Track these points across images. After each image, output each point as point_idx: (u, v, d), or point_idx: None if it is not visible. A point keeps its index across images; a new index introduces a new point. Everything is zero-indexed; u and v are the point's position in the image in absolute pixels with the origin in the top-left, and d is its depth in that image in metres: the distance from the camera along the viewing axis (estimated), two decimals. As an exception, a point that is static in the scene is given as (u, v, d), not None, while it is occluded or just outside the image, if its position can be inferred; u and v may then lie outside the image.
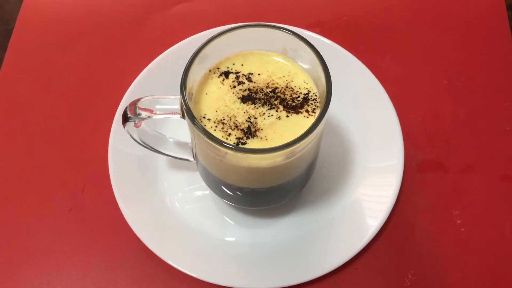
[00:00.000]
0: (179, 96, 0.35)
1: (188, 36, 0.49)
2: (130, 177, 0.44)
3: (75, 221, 0.44)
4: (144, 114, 0.36)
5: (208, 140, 0.31)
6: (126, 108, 0.37)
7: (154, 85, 0.47)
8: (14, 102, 0.50)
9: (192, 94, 0.35)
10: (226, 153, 0.32)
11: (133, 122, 0.37)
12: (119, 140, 0.44)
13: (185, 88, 0.33)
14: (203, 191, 0.45)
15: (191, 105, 0.33)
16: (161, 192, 0.44)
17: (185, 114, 0.34)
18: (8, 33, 0.54)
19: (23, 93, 0.51)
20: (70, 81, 0.51)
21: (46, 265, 0.42)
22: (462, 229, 0.43)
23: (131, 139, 0.40)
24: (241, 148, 0.31)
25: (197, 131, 0.32)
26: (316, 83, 0.35)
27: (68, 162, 0.47)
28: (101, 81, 0.51)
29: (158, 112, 0.36)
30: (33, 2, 0.57)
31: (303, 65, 0.37)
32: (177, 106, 0.35)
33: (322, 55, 0.34)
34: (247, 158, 0.32)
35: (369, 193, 0.43)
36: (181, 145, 0.42)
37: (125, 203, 0.42)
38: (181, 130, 0.42)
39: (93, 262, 0.42)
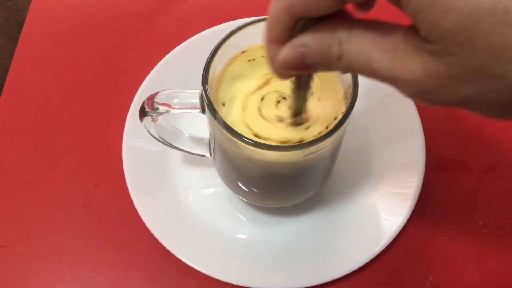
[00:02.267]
0: (198, 90, 0.34)
1: (204, 29, 0.48)
2: (144, 172, 0.43)
3: (88, 217, 0.43)
4: (162, 108, 0.35)
5: (228, 135, 0.30)
6: (143, 102, 0.36)
7: (169, 79, 0.46)
8: (25, 95, 0.50)
9: (211, 87, 0.34)
10: (246, 147, 0.31)
11: (150, 117, 0.36)
12: (133, 135, 0.44)
13: (207, 82, 0.32)
14: (217, 188, 0.44)
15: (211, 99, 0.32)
16: (175, 187, 0.43)
17: (205, 109, 0.33)
18: (20, 24, 0.54)
19: (34, 86, 0.50)
20: (83, 73, 0.51)
21: (58, 262, 0.42)
22: (484, 231, 0.42)
23: (146, 133, 0.39)
24: (261, 144, 0.30)
25: (218, 126, 0.31)
26: (341, 79, 0.35)
27: (81, 156, 0.46)
28: (114, 74, 0.50)
29: (176, 107, 0.35)
30: None
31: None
32: (196, 101, 0.34)
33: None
34: (266, 154, 0.31)
35: (390, 191, 0.42)
36: (197, 140, 0.41)
37: (139, 198, 0.41)
38: (197, 125, 0.42)
39: (106, 258, 0.42)
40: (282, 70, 0.25)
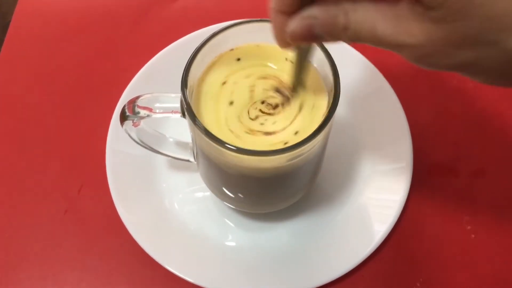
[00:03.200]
0: (179, 94, 0.33)
1: (190, 32, 0.48)
2: (128, 177, 0.42)
3: (71, 223, 0.43)
4: (143, 112, 0.35)
5: (209, 141, 0.30)
6: (124, 106, 0.35)
7: (154, 82, 0.46)
8: (9, 99, 0.49)
9: (193, 91, 0.34)
10: (228, 153, 0.30)
11: (131, 121, 0.36)
12: (117, 140, 0.43)
13: (186, 86, 0.31)
14: (204, 193, 0.43)
15: (191, 103, 0.32)
16: (160, 193, 0.43)
17: (185, 113, 0.33)
18: (5, 28, 0.53)
19: (18, 89, 0.49)
20: (68, 77, 0.50)
21: (40, 269, 0.41)
22: (473, 236, 0.42)
23: (130, 138, 0.38)
24: (244, 150, 0.29)
25: (198, 131, 0.30)
26: (324, 81, 0.34)
27: (64, 161, 0.45)
28: (99, 78, 0.50)
29: (157, 111, 0.34)
30: None
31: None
32: (177, 105, 0.33)
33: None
34: (249, 159, 0.31)
35: (377, 196, 0.42)
36: (181, 145, 0.40)
37: (123, 204, 0.41)
38: (181, 129, 0.41)
39: (90, 265, 0.41)
40: (289, 40, 0.26)
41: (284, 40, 0.27)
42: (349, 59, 0.46)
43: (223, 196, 0.40)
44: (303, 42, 0.28)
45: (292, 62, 0.32)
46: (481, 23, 0.22)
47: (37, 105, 0.48)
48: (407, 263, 0.41)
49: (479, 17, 0.22)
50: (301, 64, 0.32)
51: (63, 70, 0.50)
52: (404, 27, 0.23)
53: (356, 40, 0.25)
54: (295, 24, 0.26)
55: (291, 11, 0.26)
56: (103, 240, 0.42)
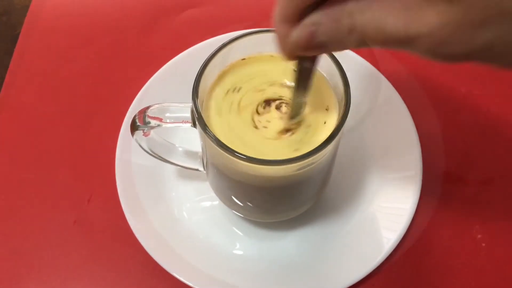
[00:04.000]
0: (189, 104, 0.34)
1: (197, 43, 0.48)
2: (137, 187, 0.42)
3: (80, 233, 0.43)
4: (153, 122, 0.35)
5: (220, 150, 0.30)
6: (135, 116, 0.36)
7: (162, 92, 0.46)
8: (18, 109, 0.49)
9: (203, 101, 0.34)
10: (239, 162, 0.30)
11: (142, 131, 0.36)
12: (127, 149, 0.43)
13: (197, 96, 0.31)
14: (212, 202, 0.43)
15: (202, 113, 0.32)
16: (169, 202, 0.43)
17: (196, 123, 0.33)
18: (15, 39, 0.54)
19: (28, 100, 0.50)
20: (77, 88, 0.50)
21: (49, 278, 0.41)
22: (483, 244, 0.42)
23: (139, 148, 0.38)
24: (254, 159, 0.29)
25: (209, 140, 0.30)
26: (334, 90, 0.34)
27: (73, 171, 0.45)
28: (108, 89, 0.50)
29: (168, 121, 0.35)
30: (40, 7, 0.56)
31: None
32: (187, 114, 0.34)
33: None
34: (260, 168, 0.31)
35: (386, 205, 0.42)
36: (190, 154, 0.40)
37: (132, 214, 0.41)
38: (189, 139, 0.42)
39: (98, 275, 0.41)
40: (293, 50, 0.25)
41: (288, 52, 0.26)
42: (357, 68, 0.46)
43: (232, 205, 0.40)
44: (307, 53, 0.26)
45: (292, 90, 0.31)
46: None
47: (46, 115, 0.49)
48: (417, 272, 0.40)
49: None
50: (302, 86, 0.30)
51: (72, 81, 0.51)
52: (416, 16, 0.21)
53: (363, 43, 0.23)
54: (297, 32, 0.24)
55: (294, 20, 0.24)
56: (112, 250, 0.42)
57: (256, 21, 0.53)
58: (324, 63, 0.32)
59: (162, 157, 0.39)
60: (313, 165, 0.32)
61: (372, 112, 0.46)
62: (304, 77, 0.29)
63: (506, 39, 0.21)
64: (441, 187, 0.44)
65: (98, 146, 0.46)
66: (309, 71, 0.29)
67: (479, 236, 0.42)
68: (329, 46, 0.24)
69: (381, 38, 0.23)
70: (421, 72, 0.50)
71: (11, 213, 0.44)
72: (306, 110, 0.33)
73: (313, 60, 0.28)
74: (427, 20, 0.21)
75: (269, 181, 0.33)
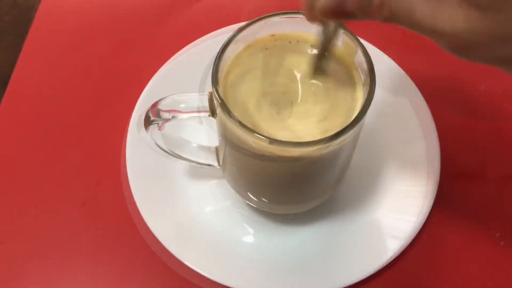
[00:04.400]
0: (205, 93, 0.33)
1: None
2: (147, 172, 0.42)
3: (87, 216, 0.42)
4: (167, 115, 0.34)
5: (245, 134, 0.29)
6: (147, 110, 0.34)
7: (175, 80, 0.45)
8: (30, 91, 0.49)
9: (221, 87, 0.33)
10: (263, 146, 0.29)
11: (156, 125, 0.35)
12: (137, 135, 0.41)
13: (217, 82, 0.30)
14: (223, 195, 0.42)
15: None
16: (179, 191, 0.42)
17: (215, 111, 0.32)
18: (30, 23, 0.53)
19: (39, 83, 0.49)
20: (90, 72, 0.50)
21: (55, 260, 0.40)
22: (502, 243, 0.41)
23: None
24: (283, 141, 0.28)
25: (233, 125, 0.29)
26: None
27: (83, 153, 0.45)
28: (121, 74, 0.50)
29: (183, 111, 0.33)
30: (50, 3, 0.55)
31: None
32: (204, 104, 0.33)
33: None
34: (285, 151, 0.30)
35: (401, 202, 0.41)
36: (204, 149, 0.39)
37: (142, 198, 0.40)
38: (196, 135, 0.41)
39: (103, 259, 0.40)
40: (319, 15, 0.25)
41: (313, 15, 0.25)
42: (376, 62, 0.46)
43: (247, 197, 0.39)
44: (334, 18, 0.26)
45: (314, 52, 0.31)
46: None
47: (58, 100, 0.48)
48: (432, 270, 0.40)
49: None
50: (325, 47, 0.30)
51: (85, 65, 0.51)
52: (445, 13, 0.21)
53: (390, 20, 0.23)
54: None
55: None
56: (118, 234, 0.41)
57: (269, 9, 0.52)
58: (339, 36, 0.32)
59: (176, 153, 0.38)
60: (338, 146, 0.31)
61: (391, 106, 0.45)
62: (327, 40, 0.29)
63: None
64: (459, 183, 0.43)
65: (109, 130, 0.46)
66: (333, 34, 0.29)
67: (497, 234, 0.41)
68: (357, 16, 0.24)
69: (408, 22, 0.23)
70: (441, 68, 0.49)
71: (20, 193, 0.43)
72: (334, 92, 0.32)
73: (338, 23, 0.28)
74: (454, 21, 0.21)
75: (291, 165, 0.32)
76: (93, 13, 0.54)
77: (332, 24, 0.29)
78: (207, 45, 0.48)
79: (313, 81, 0.33)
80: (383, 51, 0.47)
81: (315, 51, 0.31)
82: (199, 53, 0.47)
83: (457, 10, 0.21)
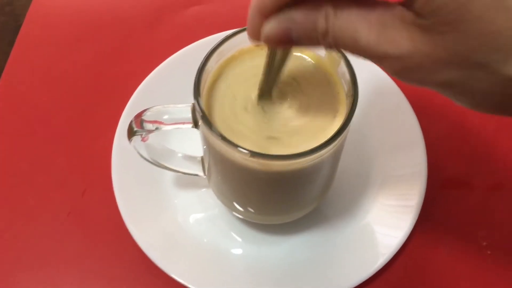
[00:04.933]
0: (189, 104, 0.33)
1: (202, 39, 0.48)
2: (133, 181, 0.42)
3: (73, 225, 0.42)
4: (151, 126, 0.34)
5: (226, 147, 0.29)
6: (131, 121, 0.34)
7: (164, 87, 0.46)
8: (17, 99, 0.49)
9: (203, 98, 0.33)
10: (245, 159, 0.29)
11: (140, 136, 0.34)
12: (124, 143, 0.41)
13: (199, 94, 0.30)
14: (210, 205, 0.42)
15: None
16: (165, 200, 0.42)
17: (198, 123, 0.31)
18: (18, 30, 0.53)
19: (26, 90, 0.49)
20: (77, 80, 0.50)
21: (41, 270, 0.40)
22: (489, 252, 0.40)
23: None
24: (264, 154, 0.28)
25: (214, 138, 0.29)
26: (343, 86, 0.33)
27: (69, 162, 0.45)
28: (108, 82, 0.50)
29: (167, 123, 0.33)
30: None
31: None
32: (187, 115, 0.32)
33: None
34: (267, 164, 0.30)
35: (389, 209, 0.41)
36: (190, 159, 0.39)
37: (127, 208, 0.40)
38: (184, 144, 0.40)
39: (91, 269, 0.40)
40: (264, 41, 0.25)
41: (258, 40, 0.25)
42: (362, 69, 0.45)
43: (233, 207, 0.38)
44: (280, 46, 0.26)
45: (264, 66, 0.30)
46: (474, 40, 0.20)
47: (45, 106, 0.48)
48: (419, 278, 0.39)
49: (473, 33, 0.20)
50: (272, 72, 0.30)
51: (72, 73, 0.50)
52: (388, 36, 0.21)
53: (335, 47, 0.23)
54: (271, 26, 0.24)
55: (270, 14, 0.24)
56: (105, 244, 0.41)
57: None
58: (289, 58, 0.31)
59: (161, 164, 0.38)
60: (320, 158, 0.31)
61: (377, 114, 0.45)
62: (273, 63, 0.29)
63: (464, 84, 0.22)
64: (446, 191, 0.43)
65: (95, 138, 0.46)
66: (280, 58, 0.29)
67: (484, 243, 0.41)
68: (301, 43, 0.24)
69: (353, 48, 0.23)
70: None
71: (5, 202, 0.43)
72: (317, 103, 0.32)
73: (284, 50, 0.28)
74: (398, 43, 0.21)
75: (274, 177, 0.32)
76: (81, 20, 0.54)
77: (279, 51, 0.28)
78: (197, 52, 0.47)
79: (299, 89, 0.33)
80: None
81: (262, 75, 0.31)
82: (188, 60, 0.46)
83: (401, 33, 0.21)
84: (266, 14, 0.24)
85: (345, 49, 0.23)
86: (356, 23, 0.22)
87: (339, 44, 0.23)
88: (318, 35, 0.23)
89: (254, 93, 0.32)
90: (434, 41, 0.21)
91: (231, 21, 0.51)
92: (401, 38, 0.21)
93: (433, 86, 0.23)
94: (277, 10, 0.24)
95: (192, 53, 0.47)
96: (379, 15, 0.22)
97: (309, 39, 0.24)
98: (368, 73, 0.46)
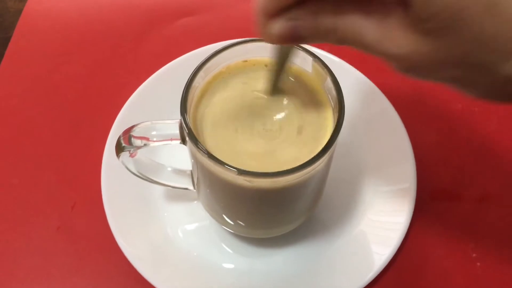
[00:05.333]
0: (177, 120, 0.33)
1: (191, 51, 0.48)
2: (122, 197, 0.41)
3: (62, 241, 0.41)
4: (139, 142, 0.34)
5: (213, 164, 0.29)
6: (119, 137, 0.34)
7: (152, 101, 0.46)
8: (6, 112, 0.49)
9: (191, 114, 0.33)
10: (234, 176, 0.29)
11: (128, 152, 0.34)
12: (113, 158, 0.40)
13: (185, 111, 0.30)
14: (200, 214, 0.41)
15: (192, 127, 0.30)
16: (155, 216, 0.42)
17: (185, 139, 0.31)
18: (6, 42, 0.53)
19: (16, 103, 0.49)
20: (66, 93, 0.50)
21: (30, 285, 0.40)
22: (478, 264, 0.40)
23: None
24: (251, 172, 0.28)
25: (200, 156, 0.29)
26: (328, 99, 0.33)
27: (58, 176, 0.44)
28: (98, 95, 0.49)
29: (155, 139, 0.33)
30: (33, 11, 0.56)
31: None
32: (175, 131, 0.32)
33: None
34: (255, 181, 0.30)
35: (379, 221, 0.41)
36: (179, 173, 0.39)
37: (117, 222, 0.40)
38: (175, 157, 0.40)
39: (80, 284, 0.40)
40: (272, 40, 0.26)
41: (267, 39, 0.26)
42: (350, 80, 0.46)
43: (223, 221, 0.38)
44: (286, 43, 0.27)
45: (270, 67, 0.31)
46: (469, 43, 0.21)
47: (34, 120, 0.48)
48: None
49: (467, 38, 0.21)
50: (281, 65, 0.31)
51: (62, 86, 0.50)
52: (392, 37, 0.23)
53: (343, 44, 0.25)
54: (278, 25, 0.25)
55: (275, 14, 0.25)
56: (95, 258, 0.41)
57: (250, 29, 0.52)
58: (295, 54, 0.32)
59: (150, 178, 0.38)
60: (309, 174, 0.31)
61: (366, 125, 0.45)
62: (282, 59, 0.30)
63: (467, 79, 0.23)
64: (435, 203, 0.43)
65: (85, 152, 0.46)
66: (287, 54, 0.30)
67: (474, 255, 0.41)
68: (308, 40, 0.25)
69: (360, 45, 0.24)
70: (417, 86, 0.49)
71: None
72: (302, 113, 0.33)
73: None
74: (400, 43, 0.23)
75: (262, 193, 0.32)
76: (70, 33, 0.54)
77: (284, 48, 0.30)
78: (186, 65, 0.46)
79: (285, 105, 0.33)
80: (356, 68, 0.47)
81: (271, 69, 0.32)
82: (177, 73, 0.46)
83: (403, 34, 0.22)
84: (272, 15, 0.25)
85: (353, 46, 0.24)
86: (362, 22, 0.23)
87: (346, 41, 0.24)
88: (325, 32, 0.24)
89: (243, 109, 0.33)
90: (432, 43, 0.22)
91: (221, 32, 0.52)
92: (402, 38, 0.22)
93: (439, 81, 0.24)
94: (281, 11, 0.24)
95: (180, 67, 0.47)
96: (384, 15, 0.23)
97: (317, 36, 0.25)
98: (355, 82, 0.46)
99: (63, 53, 0.53)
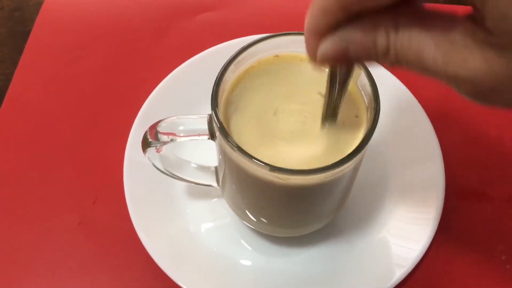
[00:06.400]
0: (204, 115, 0.32)
1: (210, 47, 0.47)
2: (145, 191, 0.41)
3: (83, 235, 0.41)
4: (166, 137, 0.33)
5: (244, 160, 0.28)
6: (146, 132, 0.34)
7: (174, 96, 0.45)
8: (25, 107, 0.48)
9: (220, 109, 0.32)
10: (263, 173, 0.28)
11: (154, 148, 0.34)
12: (135, 152, 0.41)
13: (217, 105, 0.29)
14: (222, 211, 0.41)
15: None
16: (178, 209, 0.41)
17: (214, 134, 0.31)
18: (26, 35, 0.53)
19: (35, 98, 0.49)
20: (86, 87, 0.49)
21: (50, 280, 0.39)
22: (508, 266, 0.39)
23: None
24: (284, 169, 0.27)
25: (231, 150, 0.28)
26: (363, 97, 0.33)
27: (79, 171, 0.44)
28: (118, 89, 0.49)
29: (182, 134, 0.33)
30: (53, 4, 0.55)
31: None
32: (203, 126, 0.32)
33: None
34: (286, 178, 0.29)
35: (405, 224, 0.40)
36: (203, 170, 0.39)
37: (139, 218, 0.39)
38: (197, 154, 0.40)
39: (100, 280, 0.39)
40: (322, 61, 0.24)
41: (317, 61, 0.24)
42: (376, 77, 0.45)
43: (246, 218, 0.38)
44: (336, 64, 0.25)
45: (322, 94, 0.29)
46: None
47: (54, 114, 0.48)
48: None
49: None
50: (334, 90, 0.28)
51: (82, 80, 0.50)
52: (459, 56, 0.20)
53: (398, 65, 0.22)
54: (327, 45, 0.23)
55: (325, 33, 0.23)
56: (116, 255, 0.40)
57: (270, 25, 0.53)
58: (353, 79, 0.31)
59: (175, 175, 0.38)
60: (340, 173, 0.30)
61: (394, 124, 0.44)
62: (335, 82, 0.28)
63: None
64: (463, 203, 0.42)
65: (105, 147, 0.45)
66: (343, 76, 0.27)
67: (503, 257, 0.40)
68: (359, 60, 0.24)
69: (418, 67, 0.21)
70: (447, 89, 0.48)
71: (13, 212, 0.42)
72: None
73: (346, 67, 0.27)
74: (471, 64, 0.20)
75: (292, 190, 0.31)
76: (90, 26, 0.54)
77: (340, 71, 0.27)
78: (208, 61, 0.47)
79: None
80: (389, 70, 0.46)
81: (324, 97, 0.29)
82: (199, 68, 0.46)
83: (473, 52, 0.19)
84: (321, 34, 0.23)
85: (409, 68, 0.22)
86: (421, 40, 0.20)
87: (401, 62, 0.22)
88: (378, 53, 0.22)
89: (275, 104, 0.32)
90: (511, 61, 0.19)
91: (242, 28, 0.52)
92: (472, 58, 0.19)
93: (507, 106, 0.22)
94: (331, 29, 0.22)
95: (202, 62, 0.47)
96: (446, 31, 0.20)
97: (368, 57, 0.22)
98: (386, 84, 0.45)
99: (83, 46, 0.52)
